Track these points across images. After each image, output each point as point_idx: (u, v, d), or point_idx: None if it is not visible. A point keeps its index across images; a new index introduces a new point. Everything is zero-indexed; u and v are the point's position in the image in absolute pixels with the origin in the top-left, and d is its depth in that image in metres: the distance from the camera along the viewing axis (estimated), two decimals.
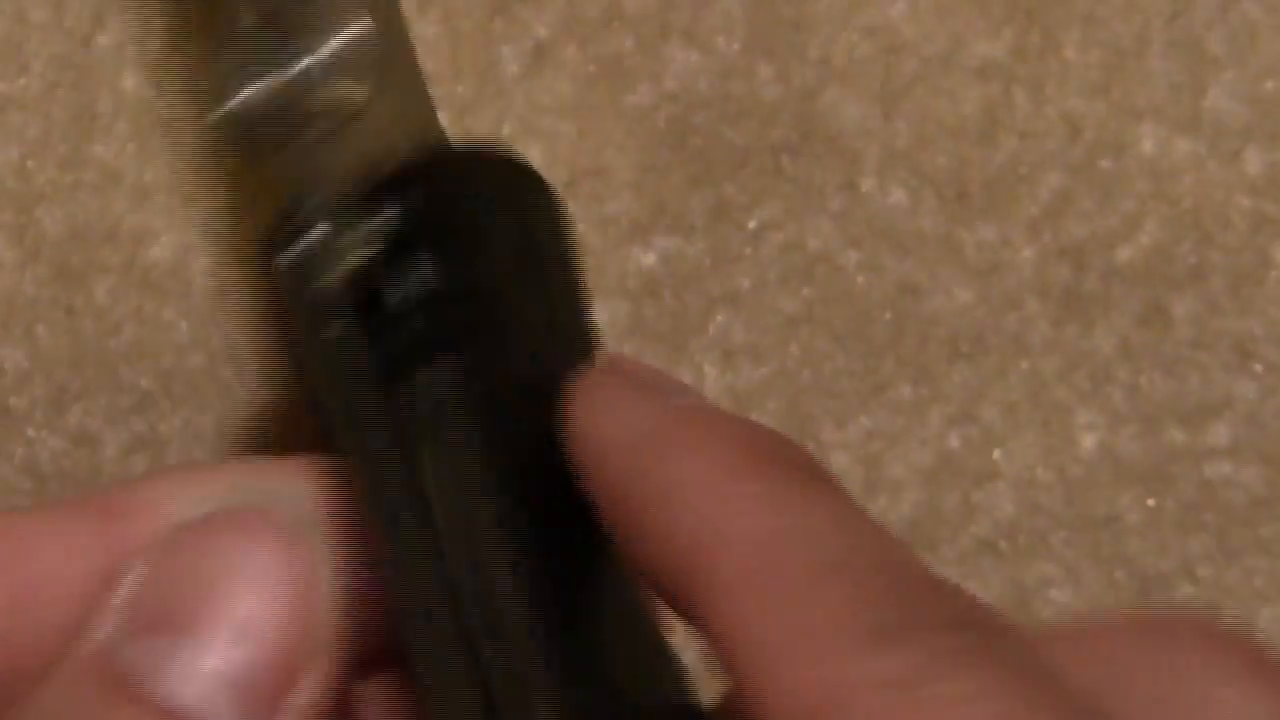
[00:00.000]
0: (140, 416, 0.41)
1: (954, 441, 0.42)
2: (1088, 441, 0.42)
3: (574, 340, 0.32)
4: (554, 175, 0.42)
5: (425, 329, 0.30)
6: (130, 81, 0.41)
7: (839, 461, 0.41)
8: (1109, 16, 0.42)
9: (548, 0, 0.42)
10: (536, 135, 0.42)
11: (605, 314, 0.41)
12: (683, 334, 0.42)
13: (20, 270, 0.41)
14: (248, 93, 0.33)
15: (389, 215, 0.30)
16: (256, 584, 0.30)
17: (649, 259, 0.42)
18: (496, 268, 0.31)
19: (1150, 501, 0.42)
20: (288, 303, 0.31)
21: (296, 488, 0.31)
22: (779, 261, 0.42)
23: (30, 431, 0.40)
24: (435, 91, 0.42)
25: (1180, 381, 0.42)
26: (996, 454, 0.42)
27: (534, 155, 0.42)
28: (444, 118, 0.42)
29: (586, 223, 0.42)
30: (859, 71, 0.42)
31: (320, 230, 0.30)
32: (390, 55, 0.33)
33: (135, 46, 0.41)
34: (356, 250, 0.30)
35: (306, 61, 0.33)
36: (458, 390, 0.30)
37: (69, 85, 0.41)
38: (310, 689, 0.30)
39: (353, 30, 0.33)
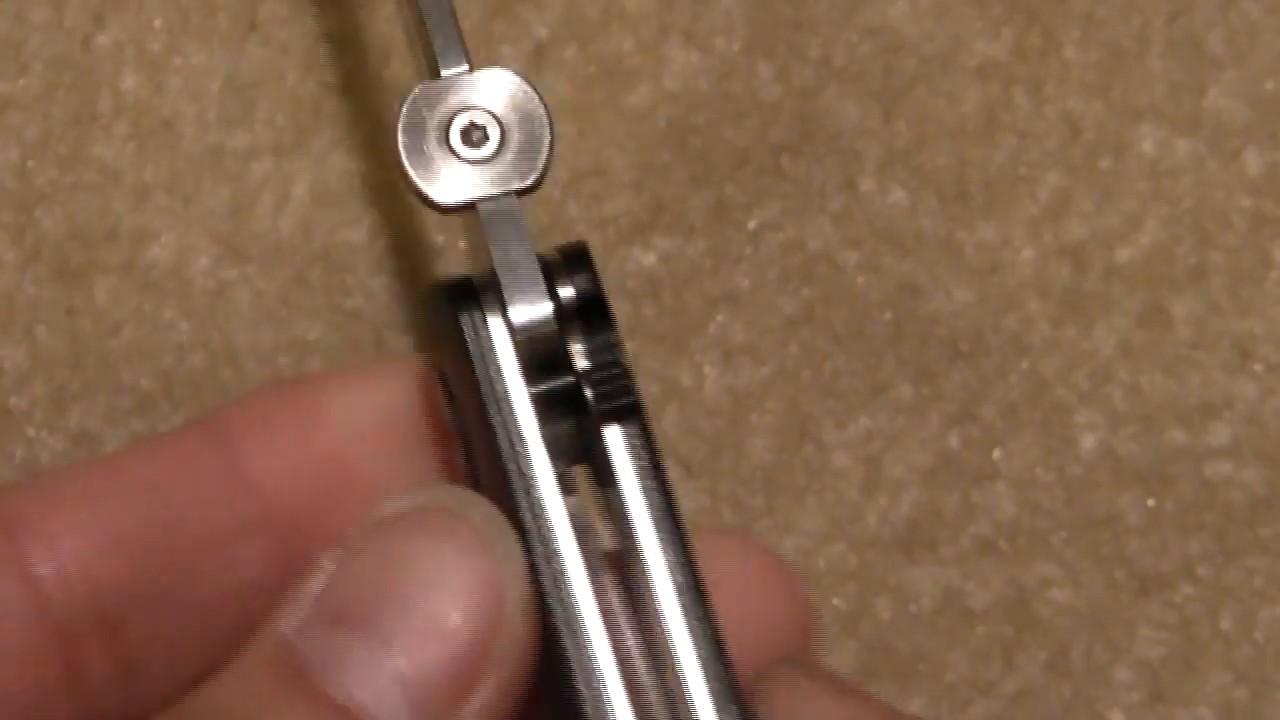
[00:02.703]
0: (140, 416, 0.41)
1: (954, 441, 0.42)
2: (1088, 441, 0.42)
3: None
4: (554, 175, 0.42)
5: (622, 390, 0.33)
6: (130, 81, 0.41)
7: (839, 461, 0.41)
8: (1109, 16, 0.42)
9: (548, 0, 0.42)
10: None
11: None
12: (683, 334, 0.42)
13: (20, 270, 0.41)
14: None
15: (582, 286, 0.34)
16: (446, 587, 0.30)
17: (649, 259, 0.42)
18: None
19: (1150, 501, 0.42)
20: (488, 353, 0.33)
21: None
22: (779, 261, 0.42)
23: (30, 431, 0.40)
24: None
25: (1180, 381, 0.42)
26: (996, 454, 0.42)
27: None
28: None
29: (586, 223, 0.42)
30: (859, 71, 0.42)
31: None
32: None
33: (135, 46, 0.41)
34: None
35: None
36: (647, 449, 0.33)
37: (69, 85, 0.41)
38: (487, 697, 0.30)
39: None
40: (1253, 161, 0.42)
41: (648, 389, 0.41)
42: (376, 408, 0.34)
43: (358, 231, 0.41)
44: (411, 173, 0.33)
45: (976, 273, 0.42)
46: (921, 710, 0.41)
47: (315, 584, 0.30)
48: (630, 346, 0.41)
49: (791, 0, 0.42)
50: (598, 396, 0.32)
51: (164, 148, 0.41)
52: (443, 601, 0.30)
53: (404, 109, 0.33)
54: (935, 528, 0.42)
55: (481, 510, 0.31)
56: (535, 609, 0.31)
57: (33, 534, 0.33)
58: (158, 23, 0.41)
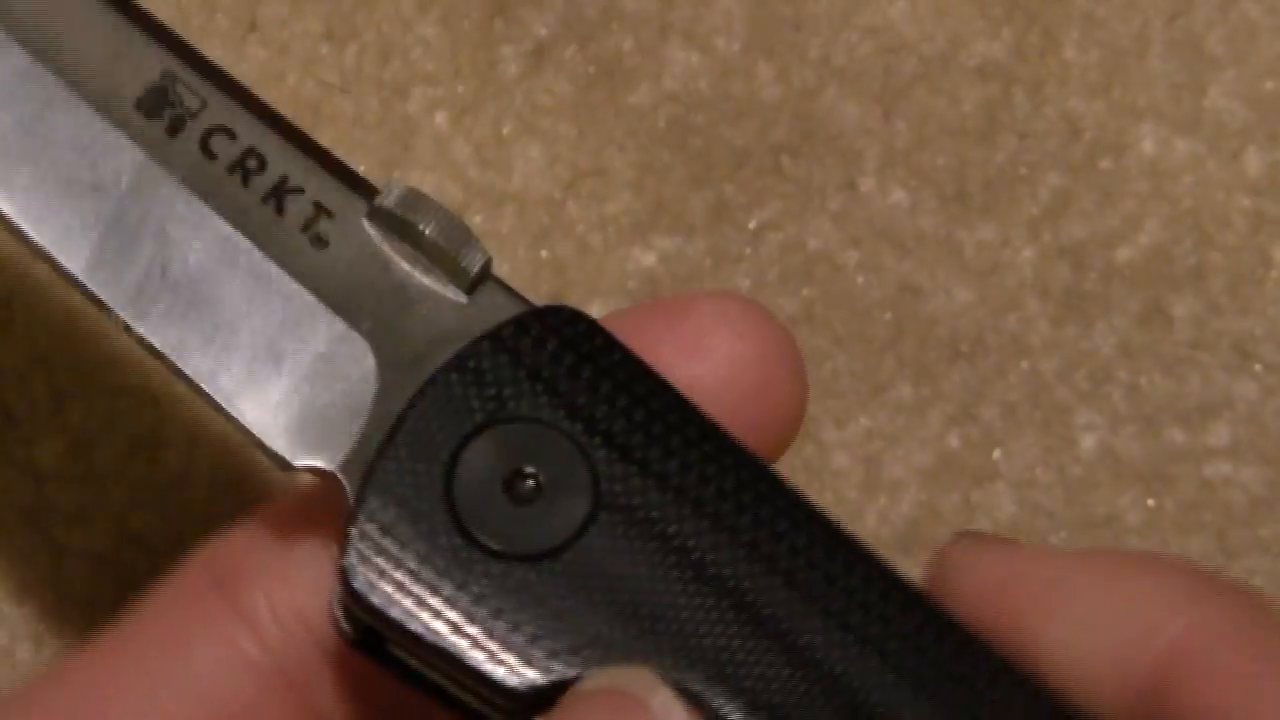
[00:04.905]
0: (140, 417, 0.41)
1: (954, 441, 0.42)
2: (1088, 441, 0.42)
3: None
4: (554, 175, 0.42)
5: None
6: None
7: (839, 461, 0.41)
8: (1109, 16, 0.42)
9: (548, 0, 0.42)
10: (536, 135, 0.42)
11: (605, 314, 0.41)
12: None
13: (21, 270, 0.41)
14: None
15: None
16: None
17: (649, 259, 0.42)
18: None
19: (1150, 501, 0.42)
20: None
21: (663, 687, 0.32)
22: (779, 261, 0.42)
23: (30, 431, 0.40)
24: (435, 91, 0.42)
25: (1180, 381, 0.42)
26: (996, 454, 0.42)
27: (534, 155, 0.42)
28: (444, 117, 0.42)
29: (586, 223, 0.42)
30: (859, 71, 0.42)
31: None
32: None
33: None
34: None
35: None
36: None
37: None
38: None
39: None
40: (1253, 161, 0.42)
41: None
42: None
43: None
44: None
45: (976, 273, 0.42)
46: None
47: None
48: None
49: (791, 0, 0.42)
50: None
51: None
52: None
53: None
54: (935, 528, 0.42)
55: (661, 697, 0.31)
56: None
57: None
58: None
